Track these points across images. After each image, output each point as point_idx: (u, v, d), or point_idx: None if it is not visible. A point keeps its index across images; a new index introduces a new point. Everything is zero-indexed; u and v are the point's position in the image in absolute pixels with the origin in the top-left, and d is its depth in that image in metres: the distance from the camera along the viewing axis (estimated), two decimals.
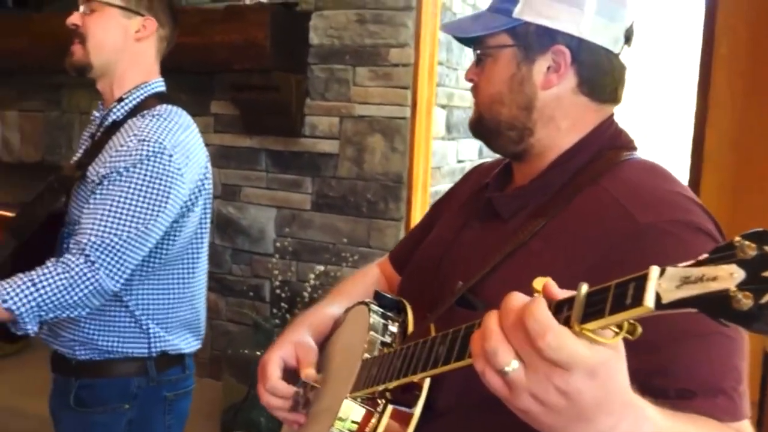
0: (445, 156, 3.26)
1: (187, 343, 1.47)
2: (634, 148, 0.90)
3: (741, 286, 0.48)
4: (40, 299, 1.24)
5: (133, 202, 1.30)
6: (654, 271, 0.53)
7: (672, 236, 0.76)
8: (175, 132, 1.37)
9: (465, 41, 0.96)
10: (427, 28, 2.53)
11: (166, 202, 1.33)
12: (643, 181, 0.84)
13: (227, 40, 2.49)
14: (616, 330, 0.55)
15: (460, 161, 3.45)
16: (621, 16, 0.88)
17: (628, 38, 0.90)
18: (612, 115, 0.93)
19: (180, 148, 1.36)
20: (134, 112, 1.41)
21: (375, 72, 2.54)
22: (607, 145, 0.90)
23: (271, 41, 2.46)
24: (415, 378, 0.71)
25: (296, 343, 1.00)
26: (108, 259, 1.29)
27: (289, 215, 2.76)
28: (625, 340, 0.55)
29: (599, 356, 0.55)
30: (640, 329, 0.55)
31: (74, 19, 1.45)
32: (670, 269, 0.52)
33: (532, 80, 0.88)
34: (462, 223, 0.98)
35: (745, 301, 0.48)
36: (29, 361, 3.03)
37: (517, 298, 0.57)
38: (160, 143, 1.33)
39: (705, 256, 0.51)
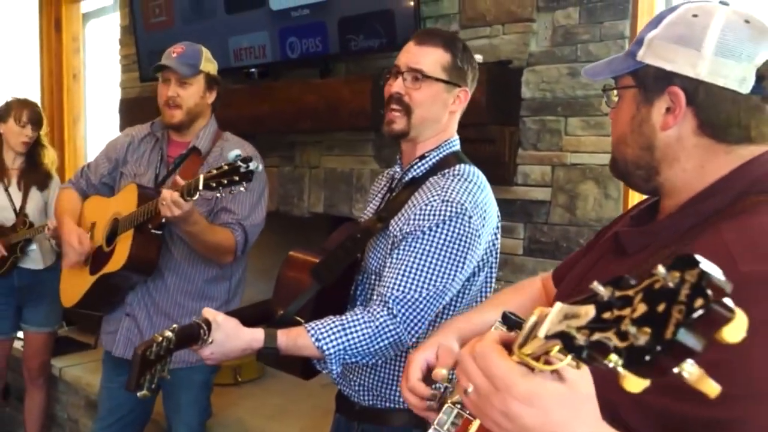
0: None
1: None
2: None
3: (587, 324, 0.53)
4: (347, 344, 1.34)
5: (434, 261, 1.39)
6: (558, 305, 0.59)
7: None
8: (474, 193, 1.45)
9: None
10: None
11: (464, 262, 1.41)
12: (766, 228, 0.78)
13: None
14: (560, 358, 0.59)
15: None
16: (749, 55, 0.82)
17: (762, 77, 0.83)
18: (762, 155, 0.86)
19: (478, 209, 1.44)
20: (434, 169, 1.50)
21: (587, 122, 2.62)
22: (751, 189, 0.83)
23: (487, 97, 2.62)
24: None
25: (440, 344, 1.06)
26: (408, 314, 1.37)
27: (502, 260, 2.84)
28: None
29: (534, 386, 0.61)
30: (582, 366, 0.59)
31: (398, 88, 1.49)
32: (564, 305, 0.57)
33: (651, 121, 0.89)
34: (599, 255, 1.00)
35: (580, 338, 0.53)
36: (266, 387, 3.38)
37: (489, 336, 0.66)
38: (462, 205, 1.41)
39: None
